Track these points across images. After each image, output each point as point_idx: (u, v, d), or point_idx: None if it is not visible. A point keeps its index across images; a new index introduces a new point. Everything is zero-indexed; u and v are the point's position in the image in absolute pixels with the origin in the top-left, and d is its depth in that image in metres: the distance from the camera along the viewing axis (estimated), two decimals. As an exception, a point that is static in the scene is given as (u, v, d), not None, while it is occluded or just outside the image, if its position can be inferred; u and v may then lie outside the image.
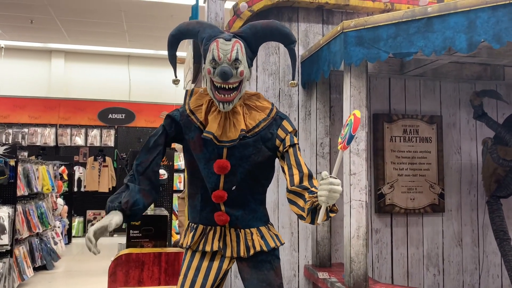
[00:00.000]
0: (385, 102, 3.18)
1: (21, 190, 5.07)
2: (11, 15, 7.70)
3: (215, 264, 1.82)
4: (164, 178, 7.53)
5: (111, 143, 9.47)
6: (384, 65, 2.94)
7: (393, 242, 3.12)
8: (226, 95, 1.72)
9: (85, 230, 9.07)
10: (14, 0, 6.99)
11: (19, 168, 5.01)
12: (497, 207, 3.08)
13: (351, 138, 1.52)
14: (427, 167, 3.15)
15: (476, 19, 1.97)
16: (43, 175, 6.04)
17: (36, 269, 5.46)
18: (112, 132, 9.53)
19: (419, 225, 3.17)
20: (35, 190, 5.53)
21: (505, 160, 3.03)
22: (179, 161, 9.03)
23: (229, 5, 2.84)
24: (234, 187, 1.80)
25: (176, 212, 7.31)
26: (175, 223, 6.96)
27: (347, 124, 1.57)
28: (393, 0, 3.02)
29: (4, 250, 4.55)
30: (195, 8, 3.19)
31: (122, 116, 9.60)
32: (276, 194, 2.89)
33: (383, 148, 3.10)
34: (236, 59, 1.72)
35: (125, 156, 9.42)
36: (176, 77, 2.07)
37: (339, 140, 1.60)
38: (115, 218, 1.66)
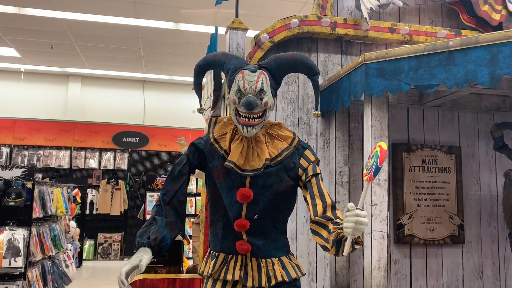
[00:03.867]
0: (403, 132, 3.18)
1: (37, 213, 5.11)
2: (33, 40, 7.92)
3: (236, 293, 1.81)
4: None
5: (124, 166, 9.55)
6: (403, 95, 2.96)
7: (412, 273, 3.07)
8: (250, 120, 1.75)
9: (95, 253, 9.05)
10: (37, 26, 7.21)
11: (36, 191, 5.05)
12: (518, 240, 3.03)
13: (377, 170, 1.53)
14: (446, 197, 3.12)
15: (498, 53, 1.99)
16: (58, 197, 6.08)
17: (47, 293, 5.44)
18: (126, 155, 9.62)
19: (439, 257, 3.12)
20: (49, 213, 5.56)
21: (527, 192, 2.99)
22: (191, 185, 9.04)
23: (251, 34, 2.89)
24: (256, 216, 1.81)
25: (188, 237, 7.28)
26: (185, 247, 6.91)
27: (373, 156, 1.58)
28: (411, 32, 3.06)
29: (18, 273, 4.55)
30: (214, 37, 3.24)
31: (136, 139, 9.70)
32: (294, 222, 2.87)
33: (402, 178, 3.08)
34: (261, 90, 1.76)
35: (138, 179, 9.48)
36: (201, 106, 2.11)
37: (365, 171, 1.60)
38: (145, 257, 1.66)
